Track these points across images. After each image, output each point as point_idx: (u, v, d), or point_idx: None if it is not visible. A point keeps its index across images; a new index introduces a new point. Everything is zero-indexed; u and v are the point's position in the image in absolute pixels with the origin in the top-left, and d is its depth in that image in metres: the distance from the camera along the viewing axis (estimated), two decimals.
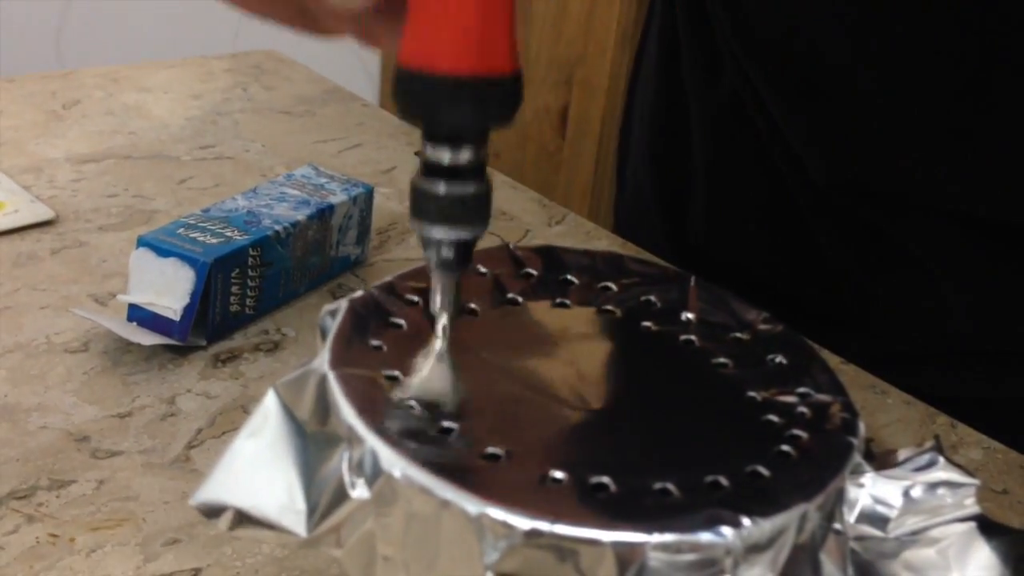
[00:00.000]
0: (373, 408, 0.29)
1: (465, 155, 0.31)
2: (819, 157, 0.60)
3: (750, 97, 0.62)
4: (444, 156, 0.31)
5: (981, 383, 0.62)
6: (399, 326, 0.33)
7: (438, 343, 0.32)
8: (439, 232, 0.31)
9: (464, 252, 0.32)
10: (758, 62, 0.60)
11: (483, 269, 0.36)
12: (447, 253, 0.32)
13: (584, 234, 0.72)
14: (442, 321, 0.32)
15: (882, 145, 0.57)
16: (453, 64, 0.29)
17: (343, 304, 0.33)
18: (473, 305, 0.34)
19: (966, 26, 0.51)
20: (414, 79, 0.30)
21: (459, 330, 0.33)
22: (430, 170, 0.31)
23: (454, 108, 0.30)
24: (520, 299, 0.35)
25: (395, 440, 0.28)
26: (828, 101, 0.58)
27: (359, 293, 0.33)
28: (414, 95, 0.30)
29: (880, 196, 0.59)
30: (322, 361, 0.31)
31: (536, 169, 1.86)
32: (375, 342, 0.32)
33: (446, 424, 0.29)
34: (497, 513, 0.26)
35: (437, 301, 0.32)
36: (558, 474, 0.28)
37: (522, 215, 0.73)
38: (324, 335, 0.32)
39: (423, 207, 0.31)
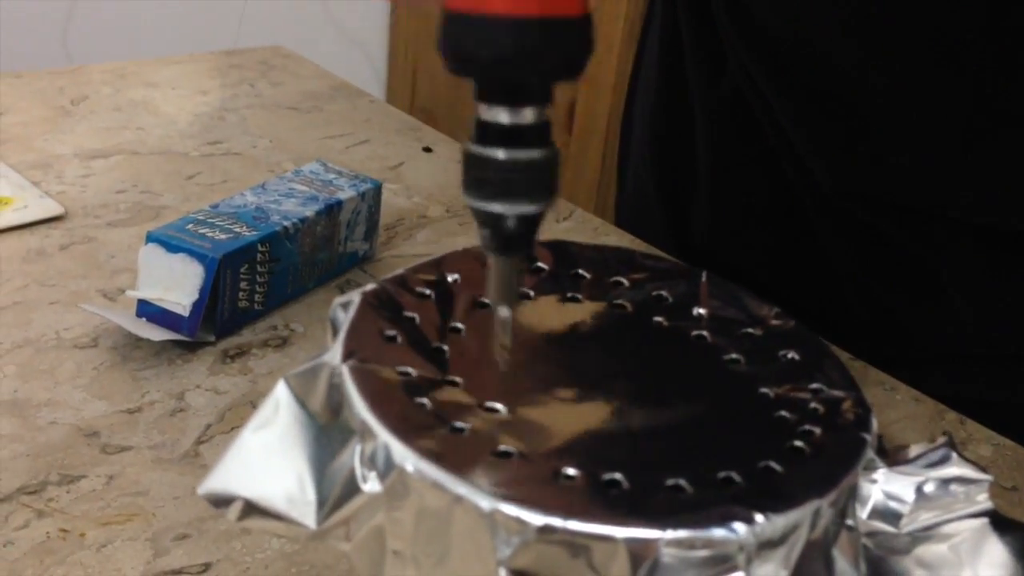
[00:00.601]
0: (386, 402, 0.29)
1: (528, 114, 0.26)
2: (825, 163, 0.60)
3: (755, 98, 0.62)
4: (502, 116, 0.26)
5: (988, 386, 0.62)
6: (412, 319, 0.33)
7: (496, 344, 0.29)
8: (498, 207, 0.27)
9: (527, 230, 0.28)
10: (764, 66, 0.60)
11: None
12: (507, 232, 0.27)
13: (592, 230, 0.72)
14: (502, 314, 0.29)
15: (889, 153, 0.57)
16: (514, 4, 0.25)
17: (355, 297, 0.33)
18: (484, 299, 0.34)
19: (975, 32, 0.51)
20: (466, 24, 0.25)
21: (471, 325, 0.33)
22: (486, 134, 0.27)
23: (516, 57, 0.25)
24: (531, 293, 0.35)
25: (408, 435, 0.28)
26: (835, 107, 0.58)
27: (371, 286, 0.33)
28: (466, 43, 0.25)
29: (886, 203, 0.59)
30: (335, 354, 0.31)
31: None
32: (388, 335, 0.32)
33: (458, 424, 0.29)
34: (510, 509, 0.26)
35: (495, 291, 0.28)
36: (571, 470, 0.28)
37: None
38: (335, 328, 0.32)
39: (478, 178, 0.27)
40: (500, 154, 0.26)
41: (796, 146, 0.61)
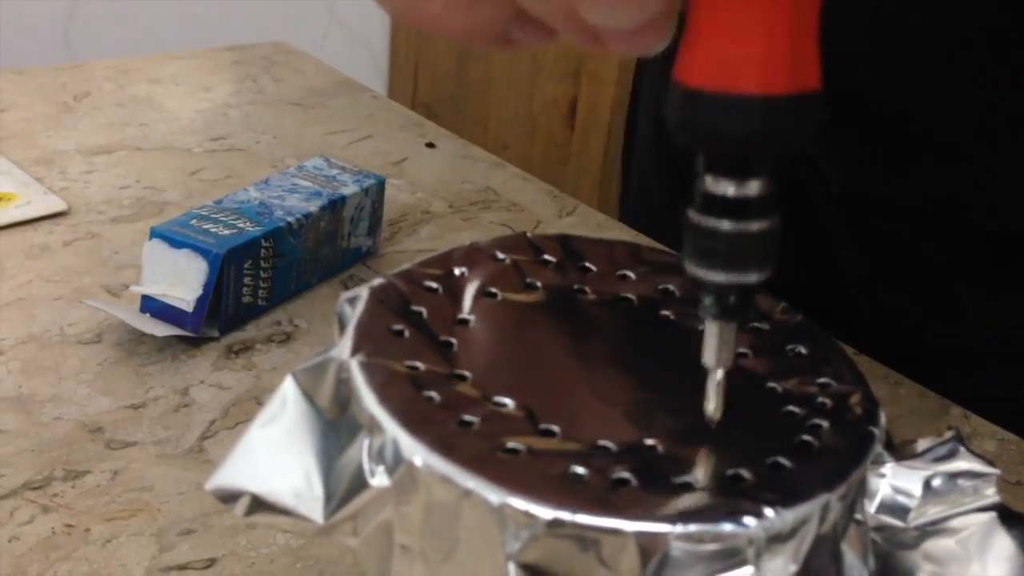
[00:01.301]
0: (395, 396, 0.29)
1: (756, 186, 0.26)
2: (838, 165, 0.59)
3: None
4: (730, 189, 0.26)
5: (993, 383, 0.62)
6: (419, 313, 0.32)
7: (710, 405, 0.29)
8: (722, 276, 0.27)
9: (748, 298, 0.28)
10: None
11: (501, 255, 0.35)
12: (730, 300, 0.27)
13: (595, 225, 0.72)
14: (717, 377, 0.29)
15: (904, 157, 0.57)
16: (766, 83, 0.25)
17: (363, 292, 0.33)
18: (493, 289, 0.34)
19: (994, 36, 0.51)
20: (710, 102, 0.25)
21: (478, 318, 0.33)
22: (712, 206, 0.27)
23: (764, 137, 0.25)
24: (538, 284, 0.35)
25: (417, 428, 0.28)
26: (850, 109, 0.57)
27: (378, 281, 0.33)
28: (710, 122, 0.25)
29: (899, 205, 0.58)
30: (343, 349, 0.30)
31: (545, 161, 1.86)
32: (396, 329, 0.32)
33: (467, 417, 0.29)
34: (519, 503, 0.26)
35: (712, 355, 0.29)
36: (580, 466, 0.28)
37: (533, 206, 0.72)
38: (342, 323, 0.32)
39: (702, 248, 0.27)
40: (726, 225, 0.26)
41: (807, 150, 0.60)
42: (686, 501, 0.27)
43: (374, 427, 0.29)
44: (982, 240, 0.57)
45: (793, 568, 0.27)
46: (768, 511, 0.27)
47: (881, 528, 0.30)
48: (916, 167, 0.56)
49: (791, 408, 0.31)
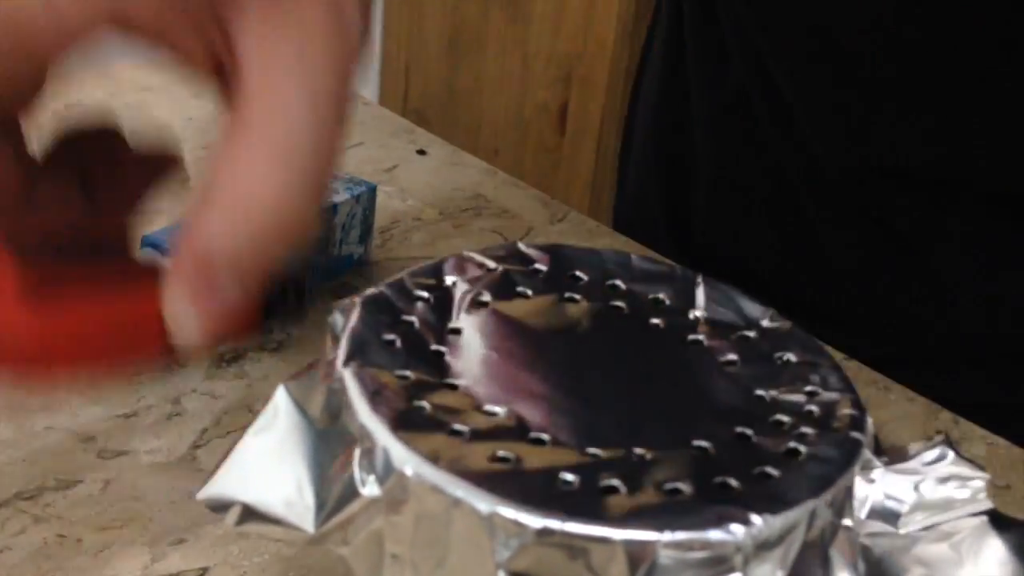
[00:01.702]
0: (386, 406, 0.29)
1: None
2: (839, 140, 0.59)
3: (760, 87, 0.62)
4: None
5: (984, 386, 0.62)
6: (411, 323, 0.33)
7: None
8: None
9: None
10: (779, 50, 0.60)
11: (492, 265, 0.36)
12: None
13: (586, 232, 0.72)
14: None
15: (906, 121, 0.57)
16: None
17: (355, 302, 0.33)
18: (484, 298, 0.34)
19: (997, 8, 0.51)
20: None
21: (470, 328, 0.33)
22: None
23: None
24: (529, 293, 0.35)
25: (408, 438, 0.28)
26: (853, 85, 0.57)
27: (371, 290, 0.33)
28: None
29: (896, 176, 0.58)
30: (334, 358, 0.31)
31: (536, 167, 1.86)
32: (387, 339, 0.32)
33: (457, 427, 0.29)
34: (508, 512, 0.26)
35: None
36: (569, 474, 0.28)
37: (524, 213, 0.73)
38: (334, 332, 0.32)
39: None
40: None
41: (804, 128, 0.60)
42: (674, 509, 0.27)
43: (365, 437, 0.29)
44: (983, 218, 0.58)
45: (780, 574, 0.27)
46: (755, 518, 0.27)
47: (873, 534, 0.31)
48: (920, 134, 0.56)
49: (779, 416, 0.31)
